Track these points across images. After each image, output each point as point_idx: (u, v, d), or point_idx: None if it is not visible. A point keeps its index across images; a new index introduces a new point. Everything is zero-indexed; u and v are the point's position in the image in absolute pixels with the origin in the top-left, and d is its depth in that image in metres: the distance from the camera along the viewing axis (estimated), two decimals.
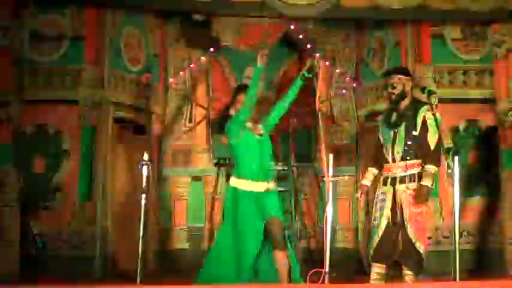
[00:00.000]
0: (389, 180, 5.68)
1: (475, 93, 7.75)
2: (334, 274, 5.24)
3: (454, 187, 5.20)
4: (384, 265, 5.65)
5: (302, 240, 8.38)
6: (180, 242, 8.54)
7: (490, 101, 7.55)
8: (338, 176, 5.81)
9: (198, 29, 8.32)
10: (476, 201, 7.61)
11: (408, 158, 5.61)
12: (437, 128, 5.49)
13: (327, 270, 5.11)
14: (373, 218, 5.75)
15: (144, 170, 5.52)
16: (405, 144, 5.63)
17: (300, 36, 8.39)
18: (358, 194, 5.91)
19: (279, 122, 5.63)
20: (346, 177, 8.35)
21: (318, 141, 8.44)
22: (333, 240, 5.51)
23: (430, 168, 5.53)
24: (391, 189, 5.64)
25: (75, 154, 7.38)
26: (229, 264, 5.30)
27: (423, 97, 5.66)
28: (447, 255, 6.06)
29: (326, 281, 5.11)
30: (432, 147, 5.54)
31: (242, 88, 5.63)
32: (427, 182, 5.51)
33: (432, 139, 5.55)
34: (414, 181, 5.58)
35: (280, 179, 8.69)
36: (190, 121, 8.76)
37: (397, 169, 5.65)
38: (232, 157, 5.55)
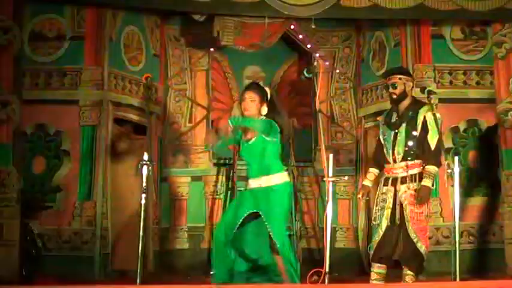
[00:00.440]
0: (390, 181, 5.68)
1: (475, 93, 7.75)
2: (334, 274, 5.24)
3: (454, 187, 5.21)
4: (384, 265, 5.65)
5: (302, 240, 8.38)
6: (180, 242, 8.53)
7: (490, 101, 7.55)
8: (338, 176, 5.81)
9: (198, 29, 8.33)
10: (476, 201, 7.61)
11: (409, 158, 5.62)
12: (438, 128, 5.49)
13: (327, 270, 5.11)
14: (373, 218, 5.75)
15: (144, 170, 5.51)
16: (406, 144, 5.63)
17: (300, 36, 8.39)
18: (360, 195, 5.92)
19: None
20: (346, 177, 8.34)
21: (318, 141, 8.44)
22: (333, 240, 5.52)
23: (431, 168, 5.53)
24: (392, 190, 5.64)
25: (75, 154, 7.38)
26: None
27: (423, 97, 5.66)
28: (447, 255, 6.06)
29: (326, 281, 5.10)
30: (432, 148, 5.54)
31: (249, 85, 5.61)
32: (427, 182, 5.51)
33: (432, 139, 5.55)
34: (415, 181, 5.58)
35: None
36: (190, 121, 8.76)
37: (398, 169, 5.65)
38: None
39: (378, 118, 6.22)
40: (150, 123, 8.20)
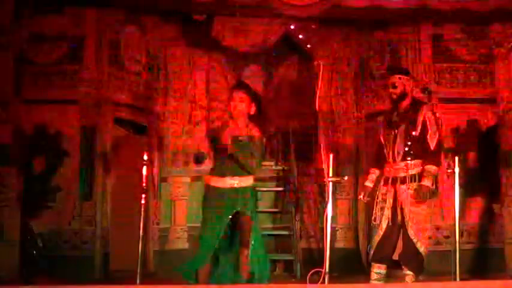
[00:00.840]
0: (390, 181, 5.68)
1: (475, 93, 7.75)
2: (334, 274, 5.24)
3: (454, 187, 5.21)
4: (384, 265, 5.65)
5: (302, 240, 8.37)
6: (180, 242, 8.52)
7: (490, 101, 7.55)
8: (338, 176, 5.81)
9: (198, 29, 8.32)
10: (476, 201, 7.61)
11: (409, 158, 5.62)
12: (438, 128, 5.49)
13: (327, 270, 5.11)
14: (373, 218, 5.75)
15: (144, 170, 5.51)
16: (405, 144, 5.64)
17: (300, 36, 8.39)
18: (361, 196, 5.92)
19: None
20: (346, 177, 8.34)
21: (318, 141, 8.43)
22: (333, 240, 5.51)
23: (430, 168, 5.53)
24: (392, 190, 5.65)
25: (75, 154, 7.38)
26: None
27: (423, 97, 5.66)
28: (447, 255, 6.06)
29: (326, 281, 5.11)
30: (432, 147, 5.55)
31: (238, 85, 5.61)
32: (427, 182, 5.51)
33: (432, 139, 5.55)
34: (415, 181, 5.58)
35: (280, 179, 8.73)
36: (190, 121, 8.75)
37: (398, 169, 5.65)
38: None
39: (378, 118, 6.23)
40: (150, 123, 8.21)
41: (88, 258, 7.13)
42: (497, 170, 7.45)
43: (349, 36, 8.90)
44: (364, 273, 6.98)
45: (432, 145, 5.55)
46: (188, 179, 8.66)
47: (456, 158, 5.27)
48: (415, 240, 5.52)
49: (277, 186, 8.65)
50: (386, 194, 5.67)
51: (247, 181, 5.50)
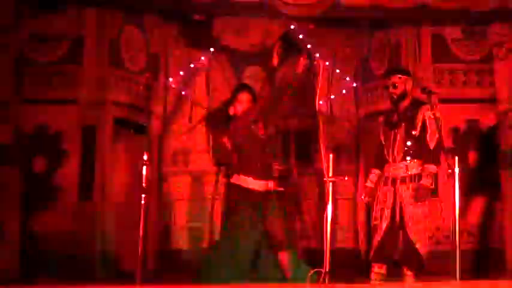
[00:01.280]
0: (390, 181, 5.68)
1: (475, 93, 7.75)
2: (334, 274, 5.24)
3: (454, 187, 5.21)
4: (384, 265, 5.65)
5: (302, 240, 8.37)
6: (180, 242, 8.53)
7: (490, 101, 7.55)
8: (338, 176, 5.81)
9: (198, 29, 8.32)
10: (476, 201, 7.61)
11: (408, 158, 5.62)
12: (437, 127, 5.49)
13: (327, 270, 5.11)
14: (373, 218, 5.75)
15: (144, 170, 5.51)
16: (405, 144, 5.64)
17: (300, 36, 8.39)
18: (362, 196, 5.92)
19: None
20: (346, 177, 8.35)
21: (318, 141, 8.42)
22: (333, 240, 5.51)
23: (430, 167, 5.53)
24: (392, 190, 5.65)
25: (75, 154, 7.38)
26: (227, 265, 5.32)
27: (423, 97, 5.67)
28: (447, 255, 6.06)
29: (326, 281, 5.10)
30: (432, 147, 5.55)
31: (242, 87, 5.62)
32: (426, 181, 5.52)
33: (432, 139, 5.55)
34: (415, 181, 5.58)
35: (280, 179, 8.72)
36: (190, 121, 8.76)
37: (398, 169, 5.65)
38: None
39: (378, 118, 6.23)
40: (150, 123, 8.21)
41: (88, 258, 7.12)
42: (497, 170, 7.45)
43: (349, 36, 8.91)
44: (364, 273, 6.98)
45: (432, 145, 5.55)
46: (188, 179, 8.67)
47: (456, 158, 5.27)
48: (414, 240, 5.52)
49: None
50: (386, 194, 5.67)
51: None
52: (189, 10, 7.77)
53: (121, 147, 7.91)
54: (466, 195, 7.29)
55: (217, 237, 7.40)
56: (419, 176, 5.57)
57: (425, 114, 5.60)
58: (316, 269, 5.23)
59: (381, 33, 8.26)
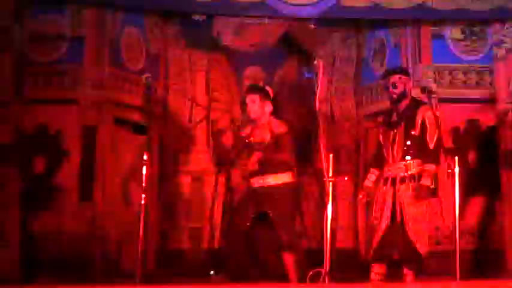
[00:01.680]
0: (389, 180, 5.69)
1: (475, 93, 7.75)
2: (334, 274, 5.24)
3: (454, 187, 5.21)
4: (384, 265, 5.65)
5: (302, 240, 8.36)
6: (180, 242, 8.53)
7: (490, 101, 7.55)
8: (338, 176, 5.82)
9: (198, 29, 8.32)
10: (476, 201, 7.61)
11: (408, 158, 5.62)
12: (437, 127, 5.50)
13: (327, 270, 5.11)
14: (373, 218, 5.76)
15: (144, 170, 5.52)
16: (405, 144, 5.64)
17: (300, 36, 8.39)
18: (361, 196, 5.93)
19: None
20: (346, 178, 8.34)
21: (318, 141, 8.42)
22: (333, 240, 5.52)
23: (430, 167, 5.54)
24: (392, 189, 5.65)
25: (75, 154, 7.37)
26: None
27: (422, 97, 5.67)
28: (447, 255, 6.06)
29: (326, 281, 5.11)
30: (431, 147, 5.56)
31: (249, 88, 5.64)
32: (426, 181, 5.52)
33: (431, 138, 5.56)
34: (415, 181, 5.59)
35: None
36: (190, 121, 8.76)
37: (398, 169, 5.66)
38: None
39: (377, 118, 6.24)
40: (150, 123, 8.20)
41: (88, 259, 7.12)
42: (497, 170, 7.45)
43: (349, 36, 8.91)
44: (364, 273, 6.99)
45: (431, 144, 5.56)
46: (188, 179, 8.67)
47: (456, 158, 5.27)
48: (414, 240, 5.52)
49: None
50: (385, 194, 5.68)
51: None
52: (189, 10, 7.77)
53: (121, 147, 7.91)
54: (465, 195, 7.30)
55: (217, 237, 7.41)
56: (418, 176, 5.58)
57: (424, 114, 5.61)
58: (316, 269, 5.23)
59: (381, 33, 8.26)
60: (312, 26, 7.81)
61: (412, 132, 5.63)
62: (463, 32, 7.82)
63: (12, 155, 6.76)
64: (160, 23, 8.59)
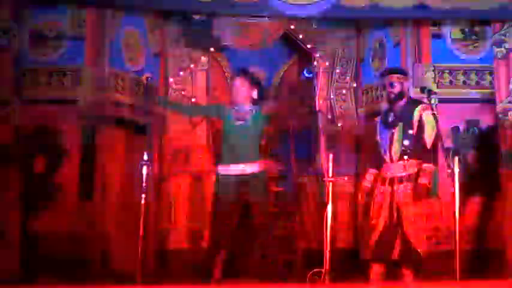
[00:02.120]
0: (387, 180, 5.69)
1: (475, 93, 7.75)
2: (334, 274, 5.24)
3: (453, 187, 5.21)
4: (383, 265, 5.65)
5: (302, 241, 8.37)
6: (180, 242, 8.52)
7: (490, 101, 7.55)
8: (338, 176, 5.82)
9: (198, 29, 8.32)
10: (476, 201, 7.61)
11: (406, 157, 5.63)
12: (434, 126, 5.50)
13: (327, 270, 5.11)
14: (371, 217, 5.76)
15: (144, 170, 5.52)
16: (402, 143, 5.65)
17: (300, 36, 8.40)
18: (360, 196, 5.93)
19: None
20: (346, 177, 8.34)
21: (318, 141, 8.43)
22: (333, 240, 5.52)
23: (427, 166, 5.54)
24: (390, 189, 5.65)
25: (75, 154, 7.37)
26: None
27: (421, 96, 5.68)
28: (447, 255, 6.06)
29: (326, 281, 5.11)
30: (429, 146, 5.56)
31: (238, 72, 5.64)
32: (424, 180, 5.52)
33: (429, 137, 5.57)
34: (412, 181, 5.59)
35: (280, 179, 8.72)
36: (190, 121, 8.75)
37: (395, 169, 5.66)
38: None
39: (377, 118, 6.24)
40: (150, 123, 8.20)
41: (88, 259, 7.12)
42: (497, 170, 7.45)
43: (349, 36, 8.91)
44: (364, 273, 6.99)
45: (429, 144, 5.56)
46: (188, 179, 8.66)
47: (456, 158, 5.27)
48: (412, 240, 5.52)
49: (277, 186, 8.65)
50: (383, 193, 5.68)
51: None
52: (189, 10, 7.77)
53: (121, 147, 7.91)
54: (465, 195, 7.29)
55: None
56: (416, 176, 5.58)
57: (422, 113, 5.61)
58: (316, 269, 5.23)
59: (381, 33, 8.26)
60: (312, 26, 7.80)
61: (410, 132, 5.63)
62: (463, 32, 7.82)
63: (12, 155, 6.75)
64: (160, 23, 8.59)
